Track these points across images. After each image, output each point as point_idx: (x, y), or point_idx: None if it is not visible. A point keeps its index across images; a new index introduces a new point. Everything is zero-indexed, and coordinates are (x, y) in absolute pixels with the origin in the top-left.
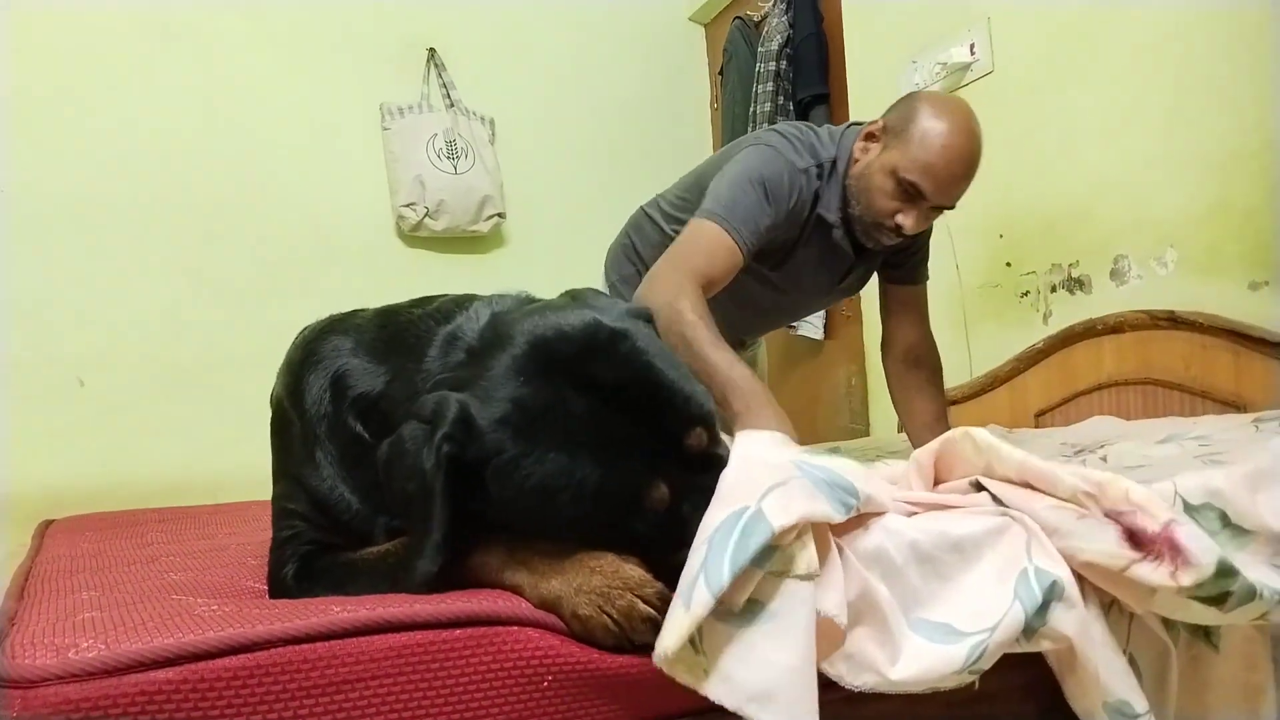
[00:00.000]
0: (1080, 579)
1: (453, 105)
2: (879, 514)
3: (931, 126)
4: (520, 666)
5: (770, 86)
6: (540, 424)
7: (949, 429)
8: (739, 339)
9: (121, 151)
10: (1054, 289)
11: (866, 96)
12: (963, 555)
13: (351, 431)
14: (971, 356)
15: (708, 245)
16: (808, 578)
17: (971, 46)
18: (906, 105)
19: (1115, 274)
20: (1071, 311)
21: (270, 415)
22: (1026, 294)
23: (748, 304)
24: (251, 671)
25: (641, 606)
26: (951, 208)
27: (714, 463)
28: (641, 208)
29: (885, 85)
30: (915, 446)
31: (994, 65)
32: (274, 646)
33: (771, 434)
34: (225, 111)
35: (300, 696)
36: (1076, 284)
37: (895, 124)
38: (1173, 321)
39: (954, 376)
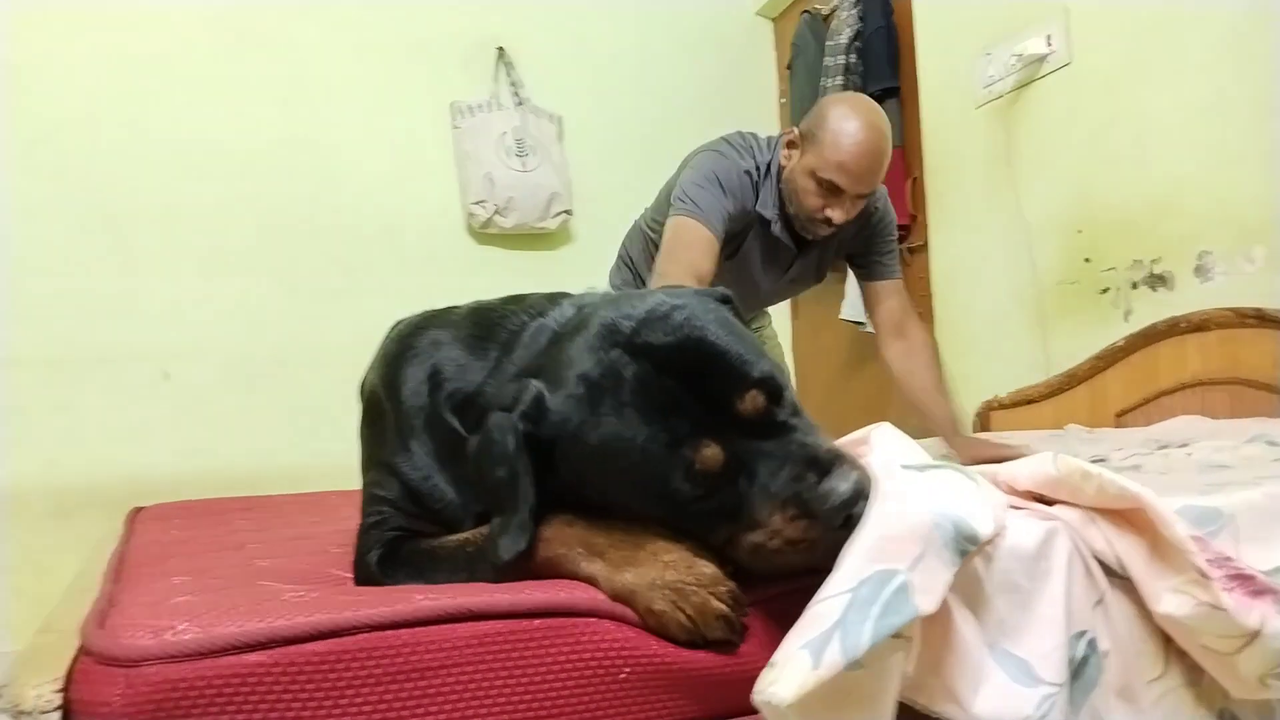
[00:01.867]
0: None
1: (521, 103)
2: None
3: (840, 128)
4: (598, 657)
5: (839, 80)
6: (599, 392)
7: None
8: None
9: (203, 153)
10: (1135, 286)
11: (939, 90)
12: (1033, 578)
13: (448, 425)
14: (1049, 355)
15: (689, 238)
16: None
17: (1048, 38)
18: (816, 112)
19: (1200, 270)
20: (1154, 309)
21: (362, 405)
22: (1106, 291)
23: None
24: (339, 656)
25: (715, 604)
26: (872, 194)
27: (779, 430)
28: (636, 220)
29: (958, 78)
30: (917, 411)
31: (1071, 57)
32: (360, 632)
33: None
34: (302, 113)
35: (385, 681)
36: (1159, 280)
37: (808, 130)
38: (1260, 319)
39: (1031, 375)
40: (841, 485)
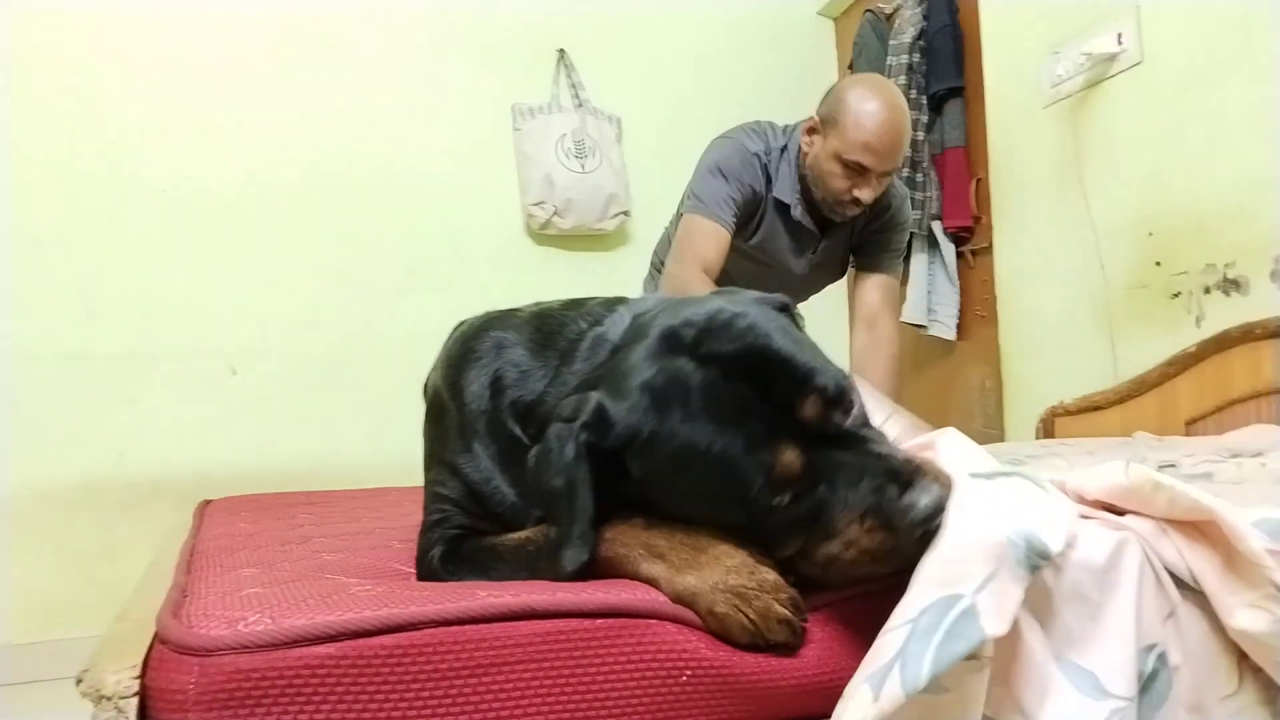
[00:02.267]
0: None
1: (581, 105)
2: None
3: (861, 109)
4: (659, 659)
5: (902, 80)
6: (666, 401)
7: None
8: None
9: (269, 156)
10: (1207, 290)
11: (1005, 89)
12: (1102, 589)
13: (510, 433)
14: (1117, 361)
15: (695, 232)
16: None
17: (1119, 36)
18: (834, 96)
19: (1276, 275)
20: (1227, 314)
21: (426, 404)
22: (1177, 295)
23: (741, 281)
24: (405, 650)
25: (778, 609)
26: (893, 173)
27: (852, 440)
28: (665, 227)
29: (1025, 77)
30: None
31: (1143, 55)
32: (427, 627)
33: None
34: (365, 115)
35: (450, 676)
36: (1232, 285)
37: (828, 115)
38: None
39: (1098, 381)
40: (923, 499)
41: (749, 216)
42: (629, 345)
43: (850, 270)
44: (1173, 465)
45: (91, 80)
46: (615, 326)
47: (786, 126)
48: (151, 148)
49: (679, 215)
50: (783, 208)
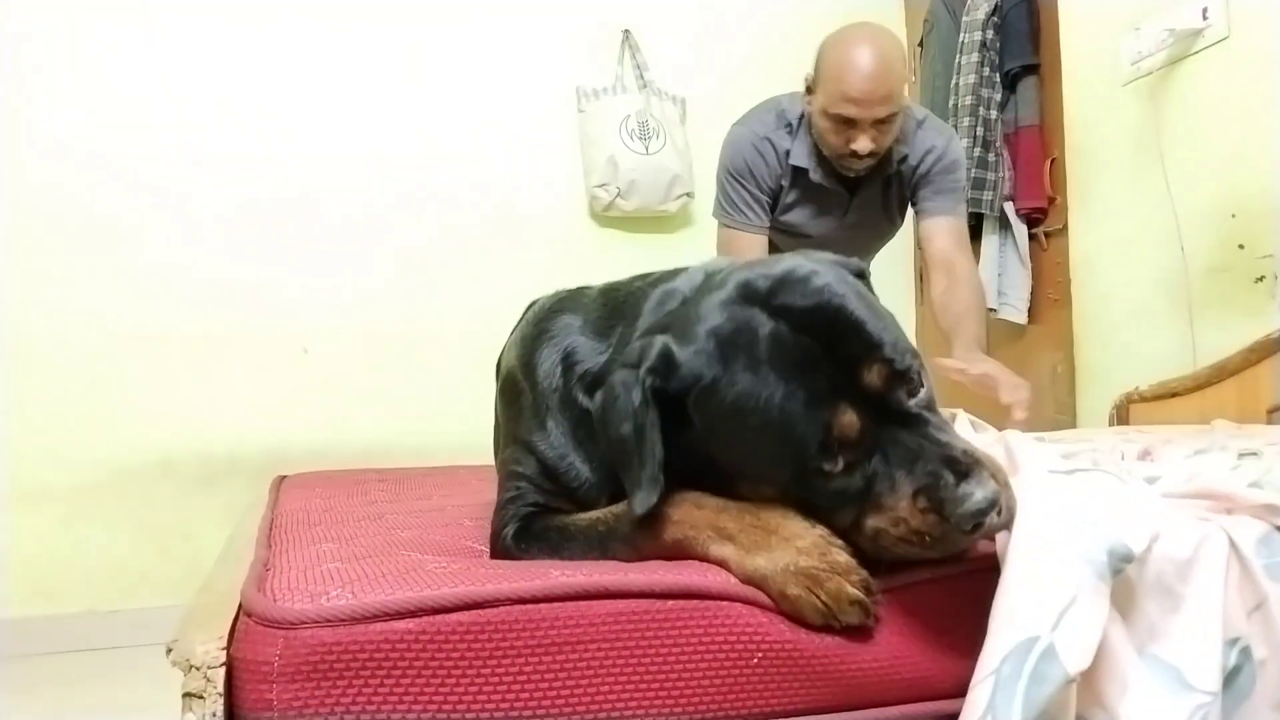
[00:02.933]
0: None
1: (645, 86)
2: None
3: (837, 59)
4: (730, 641)
5: (975, 57)
6: (733, 349)
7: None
8: None
9: (338, 142)
10: None
11: (1082, 67)
12: (1185, 581)
13: (581, 407)
14: (1196, 346)
15: (732, 247)
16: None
17: (1204, 11)
18: (819, 51)
19: None
20: None
21: (500, 383)
22: (1261, 279)
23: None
24: (482, 627)
25: (850, 590)
26: (893, 117)
27: (914, 420)
28: None
29: (1104, 55)
30: (947, 336)
31: (1229, 31)
32: (502, 605)
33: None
34: (431, 97)
35: (525, 654)
36: None
37: (814, 70)
38: None
39: (1176, 367)
40: (979, 492)
41: (776, 197)
42: (703, 295)
43: (916, 221)
44: (1255, 454)
45: (182, 67)
46: (685, 282)
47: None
48: (225, 136)
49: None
50: (801, 173)
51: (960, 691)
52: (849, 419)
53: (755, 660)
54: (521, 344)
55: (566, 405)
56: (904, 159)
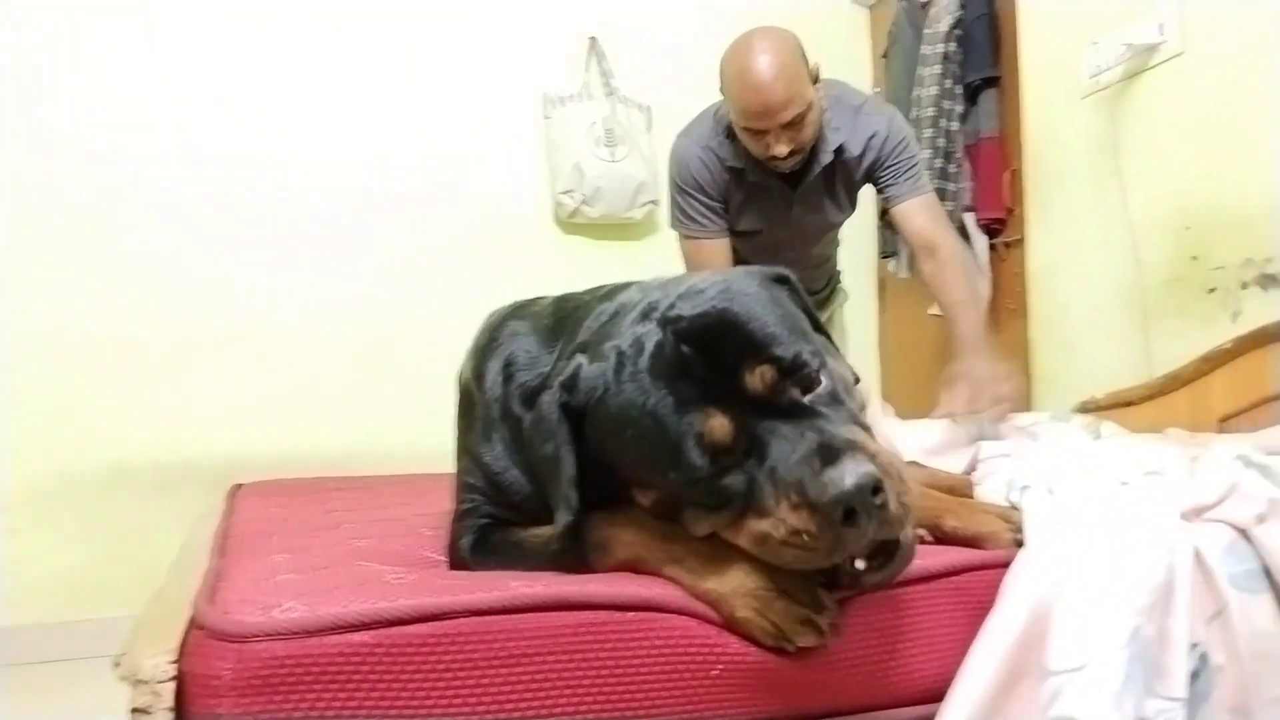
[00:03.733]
0: None
1: (612, 94)
2: None
3: (730, 76)
4: (691, 653)
5: (937, 69)
6: (624, 361)
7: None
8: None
9: (303, 143)
10: (1245, 286)
11: (1042, 80)
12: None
13: (517, 417)
14: (1151, 356)
15: (698, 256)
16: None
17: (1160, 26)
18: (719, 68)
19: None
20: (1265, 310)
21: (457, 394)
22: (1214, 290)
23: (739, 261)
24: (439, 639)
25: (798, 609)
26: (803, 116)
27: (801, 413)
28: None
29: (1063, 68)
30: (951, 323)
31: (1184, 46)
32: (460, 616)
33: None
34: (396, 101)
35: (483, 666)
36: (1270, 280)
37: (720, 86)
38: None
39: (1130, 376)
40: (846, 478)
41: (727, 202)
42: (623, 313)
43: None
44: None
45: (140, 66)
46: (623, 300)
47: None
48: (196, 136)
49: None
50: (739, 174)
51: (925, 698)
52: (717, 422)
53: (716, 671)
54: (475, 354)
55: (506, 415)
56: (841, 148)
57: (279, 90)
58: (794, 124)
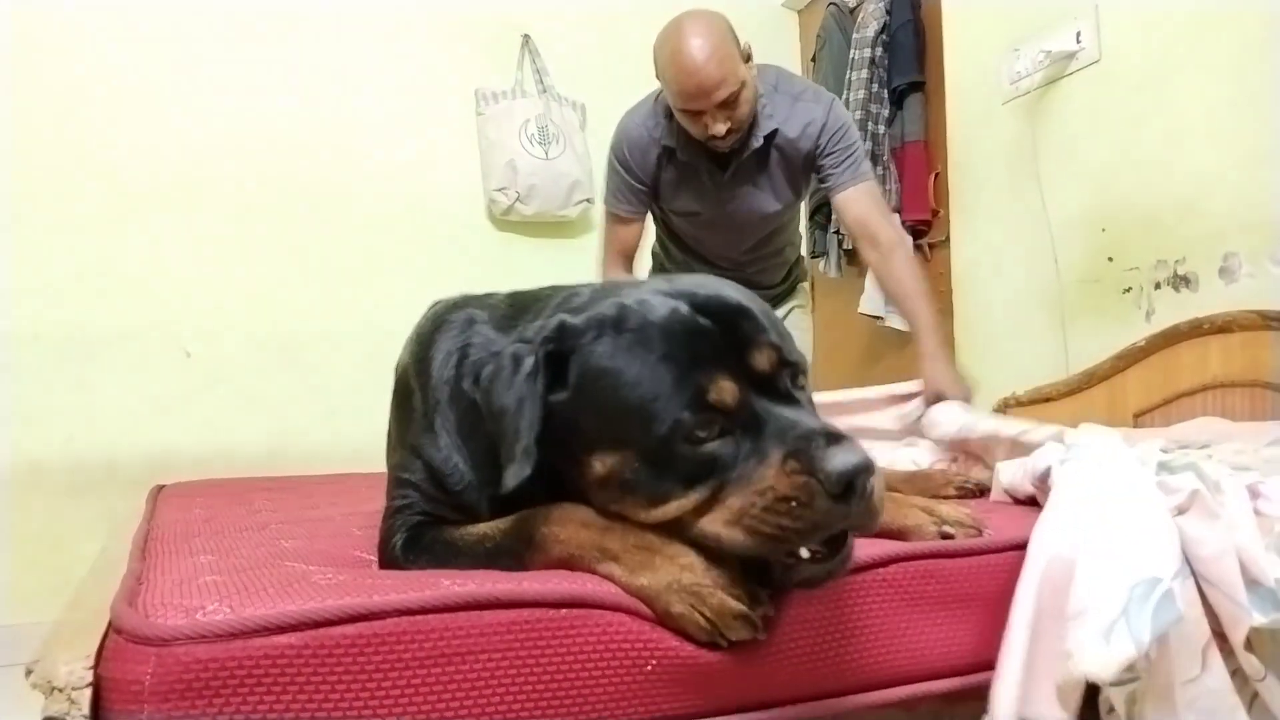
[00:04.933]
0: None
1: (545, 91)
2: None
3: (664, 61)
4: (625, 649)
5: (864, 74)
6: (628, 314)
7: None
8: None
9: (226, 135)
10: (1158, 286)
11: (965, 85)
12: None
13: (469, 399)
14: (1069, 354)
15: (609, 230)
16: None
17: (1078, 35)
18: (653, 53)
19: (1225, 272)
20: (1176, 310)
21: (393, 386)
22: (1129, 290)
23: (691, 247)
24: (369, 640)
25: (733, 604)
26: (737, 95)
27: (794, 403)
28: None
29: (985, 74)
30: (906, 320)
31: (1100, 54)
32: (390, 616)
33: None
34: (326, 97)
35: (414, 666)
36: (1182, 281)
37: (656, 71)
38: None
39: (1049, 373)
40: (851, 457)
41: (656, 183)
42: (609, 294)
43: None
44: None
45: (42, 58)
46: (592, 289)
47: None
48: (102, 124)
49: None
50: (670, 153)
51: (855, 689)
52: (728, 385)
53: (649, 667)
54: (417, 339)
55: (456, 397)
56: (775, 133)
57: (204, 85)
58: (729, 103)
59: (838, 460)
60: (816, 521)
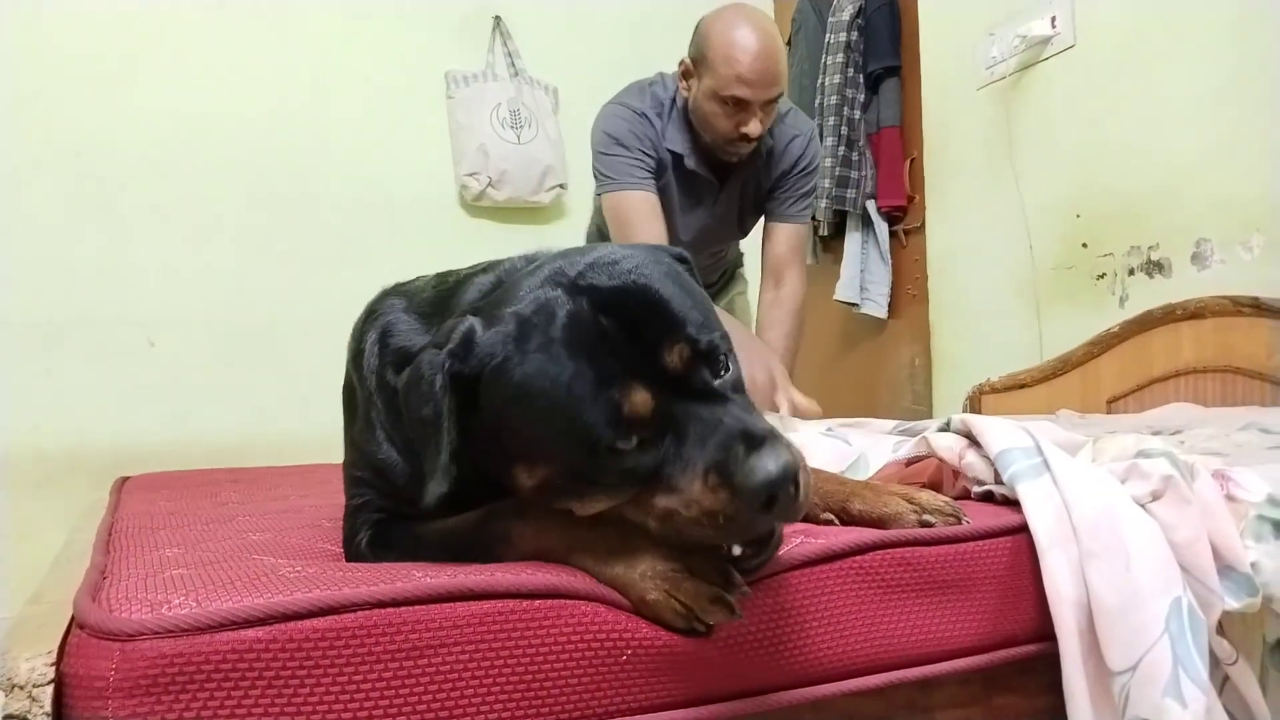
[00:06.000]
0: None
1: (517, 74)
2: None
3: (728, 40)
4: (600, 639)
5: (840, 58)
6: (530, 328)
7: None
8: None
9: (194, 120)
10: (1131, 272)
11: (941, 70)
12: None
13: (392, 386)
14: (1043, 340)
15: (627, 209)
16: None
17: (1053, 20)
18: (699, 34)
19: (1197, 258)
20: (1149, 296)
21: (343, 383)
22: (1102, 276)
23: None
24: (339, 633)
25: (706, 587)
26: (777, 99)
27: (714, 397)
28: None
29: (960, 59)
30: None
31: (1075, 39)
32: (361, 609)
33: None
34: (294, 80)
35: (385, 659)
36: (1155, 267)
37: (698, 54)
38: (1257, 308)
39: (1024, 359)
40: (770, 464)
41: (656, 178)
42: (517, 280)
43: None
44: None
45: (2, 42)
46: (509, 267)
47: (673, 74)
48: (69, 109)
49: (598, 203)
50: (677, 160)
51: (832, 676)
52: (641, 397)
53: (625, 657)
54: (353, 335)
55: (382, 387)
56: (771, 150)
57: (170, 69)
58: (771, 104)
59: (758, 473)
60: (743, 535)
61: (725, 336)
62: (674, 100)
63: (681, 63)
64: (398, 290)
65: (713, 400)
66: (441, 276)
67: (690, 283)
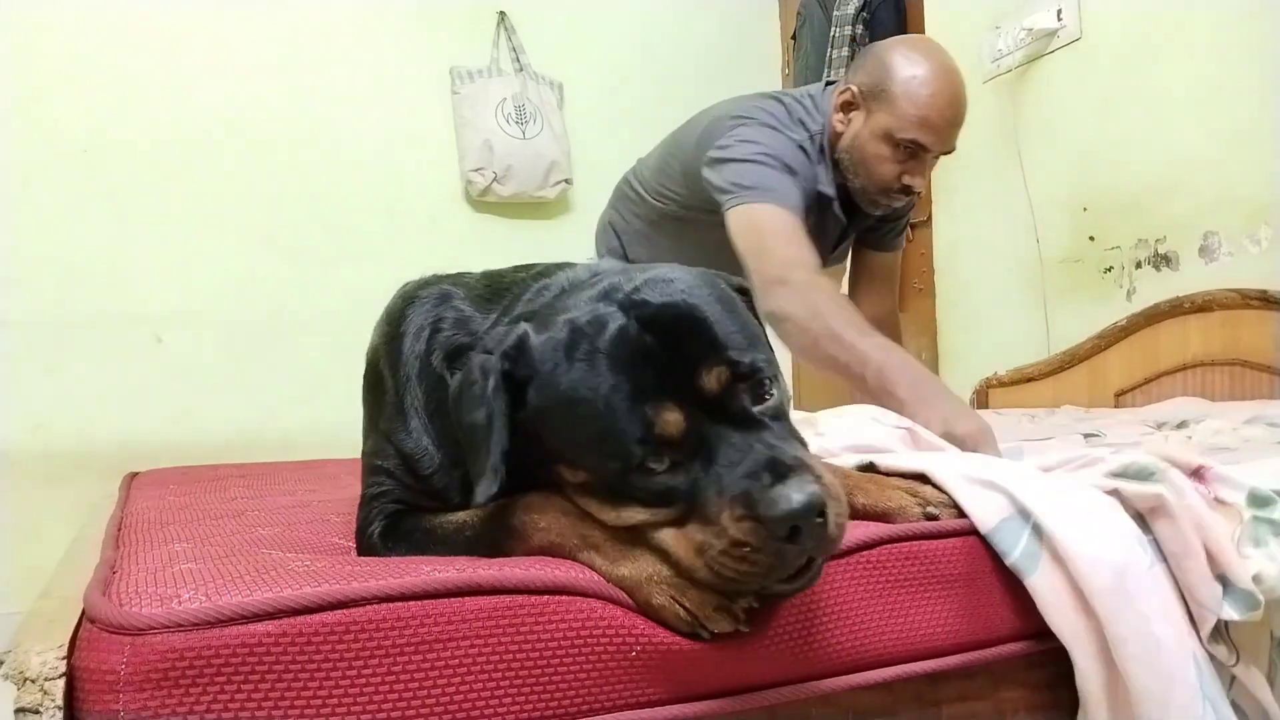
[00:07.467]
0: None
1: (522, 70)
2: None
3: (912, 76)
4: (609, 636)
5: (845, 52)
6: (579, 338)
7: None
8: None
9: (201, 117)
10: (1139, 265)
11: None
12: None
13: (437, 374)
14: (1050, 333)
15: (779, 228)
16: None
17: (1059, 12)
18: (875, 62)
19: (1204, 251)
20: (1157, 289)
21: (364, 371)
22: (1110, 270)
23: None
24: (348, 627)
25: (713, 595)
26: (952, 151)
27: (751, 424)
28: (625, 176)
29: (966, 52)
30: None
31: (1081, 32)
32: (370, 603)
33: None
34: (300, 77)
35: (394, 654)
36: (1163, 260)
37: (873, 87)
38: (1265, 301)
39: (1031, 353)
40: (795, 494)
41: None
42: (576, 290)
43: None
44: (1097, 435)
45: (9, 36)
46: (565, 277)
47: (814, 95)
48: (76, 107)
49: (672, 180)
50: (825, 200)
51: (840, 670)
52: (672, 416)
53: (634, 653)
54: (387, 319)
55: (424, 373)
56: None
57: (176, 66)
58: (942, 156)
59: (780, 504)
60: (771, 564)
61: (771, 362)
62: (822, 132)
63: (846, 90)
64: (445, 280)
65: (748, 426)
66: (491, 275)
67: (742, 310)
